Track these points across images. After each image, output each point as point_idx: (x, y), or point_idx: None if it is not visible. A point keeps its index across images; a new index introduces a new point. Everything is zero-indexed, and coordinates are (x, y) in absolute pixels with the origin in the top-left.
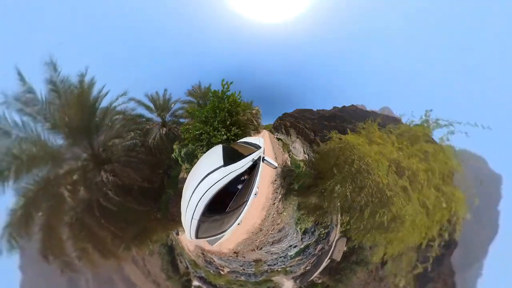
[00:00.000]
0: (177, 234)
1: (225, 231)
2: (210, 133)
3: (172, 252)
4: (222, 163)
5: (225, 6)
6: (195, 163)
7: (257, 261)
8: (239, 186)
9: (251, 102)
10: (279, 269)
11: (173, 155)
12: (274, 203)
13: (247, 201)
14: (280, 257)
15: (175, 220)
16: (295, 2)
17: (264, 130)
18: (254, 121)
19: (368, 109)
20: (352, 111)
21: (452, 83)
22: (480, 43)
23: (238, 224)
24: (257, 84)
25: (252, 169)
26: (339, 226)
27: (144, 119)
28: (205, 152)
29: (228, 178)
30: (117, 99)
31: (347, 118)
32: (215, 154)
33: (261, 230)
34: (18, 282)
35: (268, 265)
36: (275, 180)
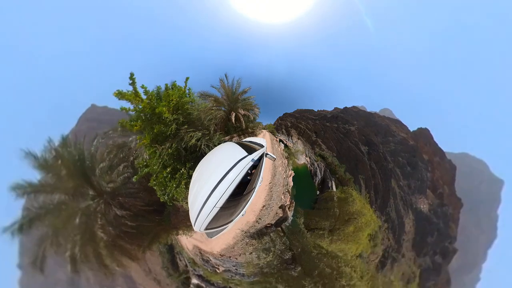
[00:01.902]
0: (177, 234)
1: (230, 222)
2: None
3: (172, 251)
4: (246, 153)
5: (228, 6)
6: (183, 198)
7: (248, 263)
8: (249, 177)
9: (237, 85)
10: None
11: (161, 200)
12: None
13: (255, 187)
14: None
15: (176, 226)
16: (297, 3)
17: (264, 130)
18: (240, 119)
19: (368, 110)
20: (355, 112)
21: (453, 86)
22: (481, 45)
23: (242, 215)
24: (257, 83)
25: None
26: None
27: (127, 147)
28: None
29: (249, 166)
30: (94, 141)
31: (349, 120)
32: (233, 148)
33: (234, 248)
34: (16, 280)
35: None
36: (248, 238)
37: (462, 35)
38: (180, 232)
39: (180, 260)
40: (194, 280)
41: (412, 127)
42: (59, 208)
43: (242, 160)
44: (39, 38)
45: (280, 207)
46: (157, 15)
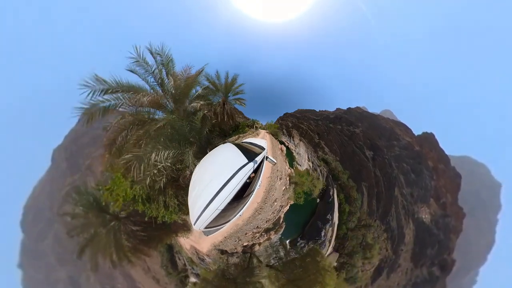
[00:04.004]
0: (176, 235)
1: (227, 222)
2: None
3: (171, 250)
4: (246, 159)
5: (228, 4)
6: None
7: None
8: (248, 180)
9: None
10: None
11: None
12: None
13: (253, 191)
14: None
15: (176, 231)
16: (298, 1)
17: (262, 131)
18: None
19: (369, 111)
20: (359, 113)
21: (453, 86)
22: (481, 48)
23: (240, 215)
24: (257, 82)
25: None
26: (332, 242)
27: None
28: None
29: (250, 173)
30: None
31: (353, 121)
32: (232, 152)
33: (212, 252)
34: (19, 279)
35: None
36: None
37: (463, 37)
38: (179, 234)
39: (179, 259)
40: (192, 279)
41: (412, 129)
42: (94, 236)
43: (243, 168)
44: (39, 38)
45: (243, 246)
46: (157, 13)
